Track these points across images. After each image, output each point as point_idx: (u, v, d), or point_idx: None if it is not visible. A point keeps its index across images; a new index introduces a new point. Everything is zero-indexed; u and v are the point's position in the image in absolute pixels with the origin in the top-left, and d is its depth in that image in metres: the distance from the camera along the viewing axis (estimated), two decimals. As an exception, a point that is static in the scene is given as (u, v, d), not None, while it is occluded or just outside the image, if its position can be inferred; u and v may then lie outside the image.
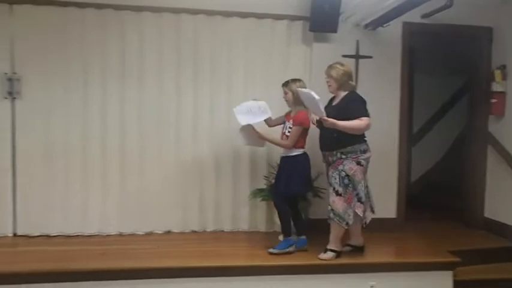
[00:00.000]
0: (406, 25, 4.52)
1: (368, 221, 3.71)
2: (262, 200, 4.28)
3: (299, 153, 3.71)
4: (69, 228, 4.17)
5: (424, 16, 4.47)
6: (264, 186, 4.26)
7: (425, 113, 6.16)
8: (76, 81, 4.12)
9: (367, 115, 3.49)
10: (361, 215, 3.60)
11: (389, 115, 4.54)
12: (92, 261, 3.52)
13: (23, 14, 4.02)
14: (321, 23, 4.27)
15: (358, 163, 3.54)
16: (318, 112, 3.48)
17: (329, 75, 3.63)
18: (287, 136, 3.71)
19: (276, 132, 3.88)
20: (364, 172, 3.61)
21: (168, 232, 4.35)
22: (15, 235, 4.11)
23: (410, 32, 4.58)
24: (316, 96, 3.38)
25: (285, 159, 3.77)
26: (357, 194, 3.55)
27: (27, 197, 4.11)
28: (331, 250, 3.65)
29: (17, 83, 4.02)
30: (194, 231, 4.38)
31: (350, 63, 4.42)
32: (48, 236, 4.12)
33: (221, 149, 4.34)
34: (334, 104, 3.68)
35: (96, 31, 4.13)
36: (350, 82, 3.67)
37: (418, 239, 4.37)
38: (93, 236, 4.19)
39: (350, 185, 3.54)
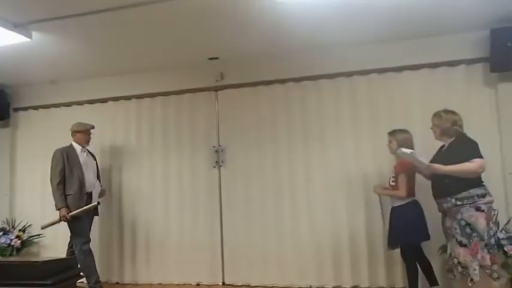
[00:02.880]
0: None
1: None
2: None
3: (408, 201, 3.70)
4: (267, 279, 4.59)
5: None
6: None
7: None
8: (267, 149, 4.72)
9: (478, 156, 3.22)
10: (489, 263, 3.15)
11: None
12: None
13: (224, 97, 4.92)
14: (505, 61, 3.98)
15: (478, 209, 3.20)
16: (420, 164, 3.42)
17: (432, 123, 3.57)
18: (392, 186, 3.76)
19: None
20: (488, 219, 3.19)
21: (356, 287, 4.40)
22: (223, 284, 4.74)
23: None
24: (408, 151, 3.38)
25: (395, 209, 3.76)
26: (486, 245, 3.15)
27: (232, 249, 4.73)
28: None
29: (221, 153, 4.85)
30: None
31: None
32: (249, 286, 4.63)
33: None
34: (443, 150, 3.53)
35: (282, 102, 4.72)
36: (455, 128, 3.44)
37: None
38: (286, 288, 4.52)
39: (474, 234, 3.16)
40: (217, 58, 4.76)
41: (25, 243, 5.15)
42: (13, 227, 5.27)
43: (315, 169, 4.59)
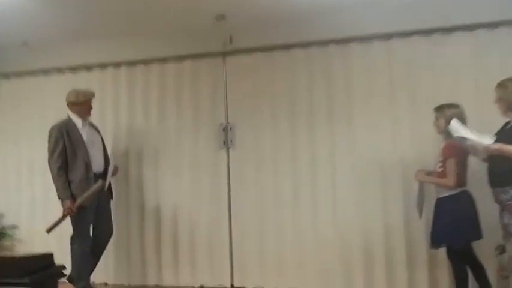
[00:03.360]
0: None
1: None
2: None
3: (458, 191, 3.28)
4: (283, 282, 4.00)
5: None
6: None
7: None
8: (284, 127, 4.14)
9: None
10: None
11: None
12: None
13: (233, 64, 4.30)
14: None
15: None
16: (475, 149, 3.02)
17: (496, 95, 3.07)
18: (438, 173, 3.34)
19: None
20: None
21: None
22: (232, 287, 4.15)
23: None
24: (460, 126, 2.95)
25: (442, 201, 3.34)
26: None
27: (243, 247, 4.15)
28: None
29: (230, 132, 4.24)
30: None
31: None
32: (262, 289, 4.06)
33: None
34: (507, 128, 3.05)
35: (303, 71, 4.13)
36: None
37: None
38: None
39: None
40: (223, 16, 4.05)
41: (-3, 236, 4.56)
42: (-18, 218, 4.65)
43: (342, 152, 4.01)
